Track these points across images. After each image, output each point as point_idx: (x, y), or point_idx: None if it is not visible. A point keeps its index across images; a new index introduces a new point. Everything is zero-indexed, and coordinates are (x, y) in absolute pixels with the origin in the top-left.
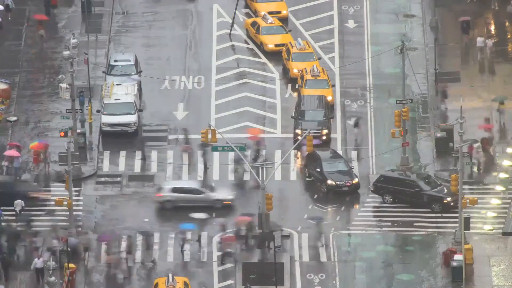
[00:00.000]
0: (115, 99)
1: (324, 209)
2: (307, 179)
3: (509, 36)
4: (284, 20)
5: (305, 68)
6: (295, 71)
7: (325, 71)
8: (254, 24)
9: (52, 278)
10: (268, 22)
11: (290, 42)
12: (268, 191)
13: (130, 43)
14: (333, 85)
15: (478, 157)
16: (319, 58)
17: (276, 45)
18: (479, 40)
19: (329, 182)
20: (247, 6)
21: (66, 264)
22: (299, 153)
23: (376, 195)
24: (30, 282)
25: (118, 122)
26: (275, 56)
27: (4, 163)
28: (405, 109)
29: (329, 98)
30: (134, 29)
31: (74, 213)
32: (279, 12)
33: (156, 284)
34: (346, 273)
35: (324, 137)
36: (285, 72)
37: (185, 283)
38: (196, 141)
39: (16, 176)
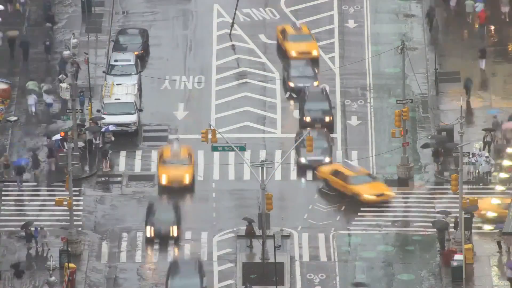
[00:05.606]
0: (115, 99)
1: (324, 209)
2: None
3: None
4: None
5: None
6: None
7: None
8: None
9: (52, 278)
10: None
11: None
12: (268, 191)
13: None
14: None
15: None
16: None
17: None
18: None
19: None
20: (246, 6)
21: (66, 264)
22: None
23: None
24: None
25: (118, 122)
26: (275, 57)
27: None
28: (405, 109)
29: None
30: None
31: (74, 212)
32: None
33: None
34: (346, 273)
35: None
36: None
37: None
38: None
39: None
